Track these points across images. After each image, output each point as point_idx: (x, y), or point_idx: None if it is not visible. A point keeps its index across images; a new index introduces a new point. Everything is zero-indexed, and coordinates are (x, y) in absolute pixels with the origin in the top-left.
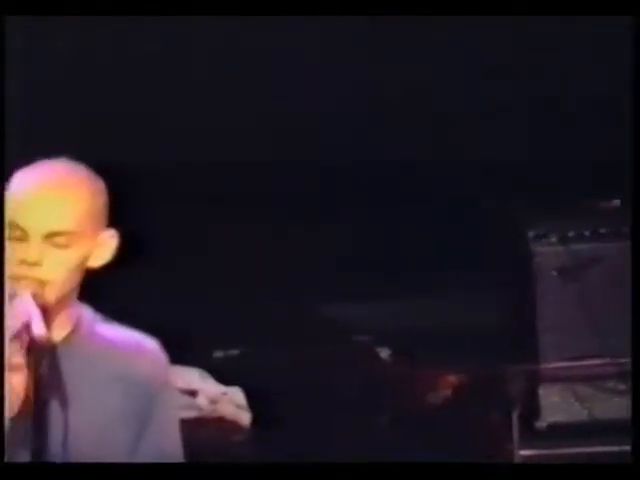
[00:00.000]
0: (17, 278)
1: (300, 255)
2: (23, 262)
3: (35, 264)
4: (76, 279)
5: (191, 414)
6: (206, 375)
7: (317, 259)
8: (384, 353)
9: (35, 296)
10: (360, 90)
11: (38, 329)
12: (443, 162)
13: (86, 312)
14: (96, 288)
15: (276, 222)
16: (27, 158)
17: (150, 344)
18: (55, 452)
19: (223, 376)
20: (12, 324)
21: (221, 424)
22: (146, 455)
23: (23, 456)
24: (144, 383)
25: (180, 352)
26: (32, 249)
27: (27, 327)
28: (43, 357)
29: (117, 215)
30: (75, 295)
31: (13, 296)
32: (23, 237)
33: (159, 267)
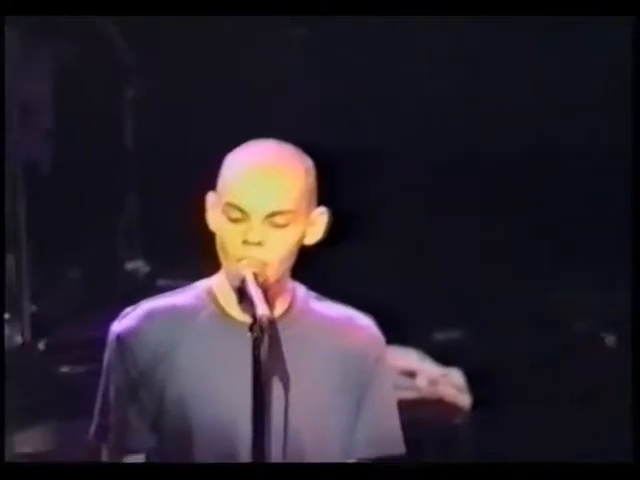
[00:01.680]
0: (239, 259)
1: (526, 240)
2: (245, 243)
3: (258, 244)
4: (292, 258)
5: (410, 395)
6: (424, 356)
7: (543, 245)
8: (609, 339)
9: (257, 276)
10: None
11: (262, 309)
12: None
13: (299, 289)
14: (312, 266)
15: (500, 206)
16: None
17: (364, 320)
18: (276, 430)
19: (443, 357)
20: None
21: (440, 406)
22: (364, 434)
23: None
24: (359, 357)
25: (399, 333)
26: (255, 230)
27: (251, 307)
28: (265, 336)
29: (326, 193)
30: (289, 273)
31: (234, 275)
32: (243, 218)
33: (380, 246)
